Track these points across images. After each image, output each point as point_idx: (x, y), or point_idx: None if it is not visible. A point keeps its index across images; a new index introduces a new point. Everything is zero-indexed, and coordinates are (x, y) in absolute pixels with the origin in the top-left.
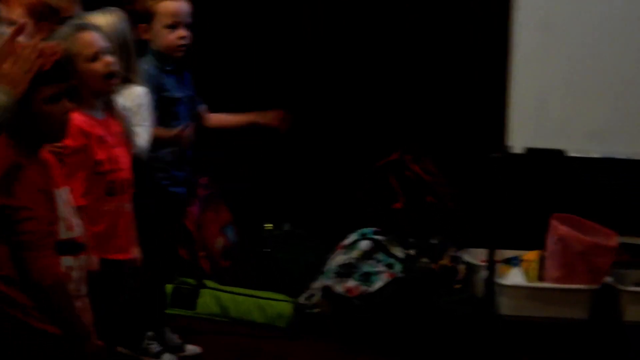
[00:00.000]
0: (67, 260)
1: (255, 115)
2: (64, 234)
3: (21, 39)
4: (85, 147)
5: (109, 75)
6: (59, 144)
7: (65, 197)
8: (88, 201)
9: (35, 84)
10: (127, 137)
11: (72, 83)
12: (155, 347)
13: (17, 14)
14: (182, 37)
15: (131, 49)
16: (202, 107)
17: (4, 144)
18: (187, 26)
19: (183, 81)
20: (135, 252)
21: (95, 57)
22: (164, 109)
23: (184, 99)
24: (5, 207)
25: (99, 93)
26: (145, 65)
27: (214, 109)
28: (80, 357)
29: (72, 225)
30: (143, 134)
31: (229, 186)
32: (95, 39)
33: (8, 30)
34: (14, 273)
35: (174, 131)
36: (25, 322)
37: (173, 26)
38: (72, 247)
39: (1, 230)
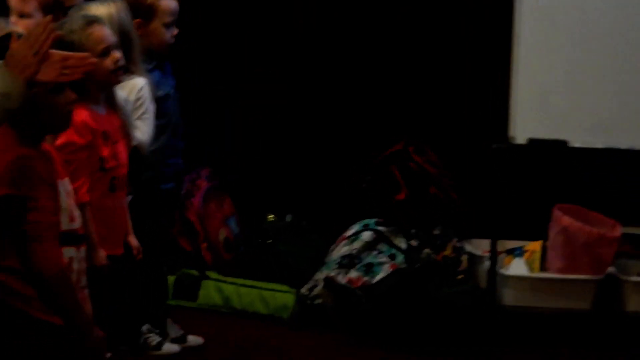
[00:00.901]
0: (68, 251)
1: None
2: (66, 225)
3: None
4: (91, 143)
5: (116, 71)
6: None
7: (66, 188)
8: (92, 197)
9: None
10: (125, 131)
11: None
12: (155, 338)
13: (33, 7)
14: (174, 36)
15: (133, 40)
16: None
17: (8, 134)
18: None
19: (166, 74)
20: (133, 244)
21: (105, 53)
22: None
23: (170, 93)
24: (9, 197)
25: (105, 87)
26: None
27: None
28: (80, 348)
29: (74, 217)
30: (144, 127)
31: (231, 177)
32: (105, 35)
33: (15, 24)
34: (16, 263)
35: None
36: (25, 312)
37: (170, 25)
38: (74, 238)
39: (5, 220)
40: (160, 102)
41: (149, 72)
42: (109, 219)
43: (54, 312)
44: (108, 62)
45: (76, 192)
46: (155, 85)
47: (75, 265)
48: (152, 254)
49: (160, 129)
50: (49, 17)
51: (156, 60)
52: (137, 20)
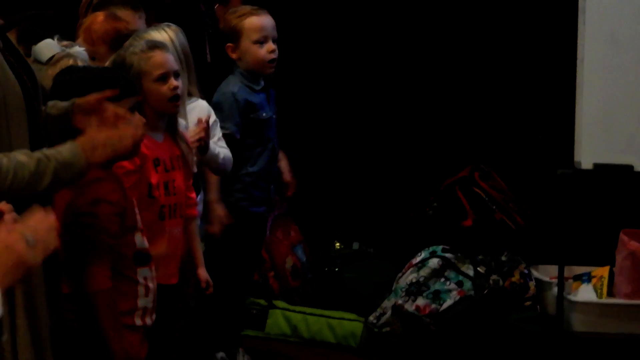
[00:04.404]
0: (144, 272)
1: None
2: (140, 244)
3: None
4: (140, 168)
5: (173, 99)
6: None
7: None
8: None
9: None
10: (185, 160)
11: (139, 99)
12: None
13: (104, 49)
14: (272, 52)
15: (190, 62)
16: None
17: None
18: (274, 40)
19: (270, 99)
20: (202, 277)
21: (162, 78)
22: (254, 130)
23: (272, 118)
24: (77, 214)
25: (162, 114)
26: (234, 87)
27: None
28: None
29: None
30: (224, 144)
31: (298, 205)
32: (166, 60)
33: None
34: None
35: None
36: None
37: (261, 41)
38: (147, 257)
39: (64, 236)
40: (261, 126)
41: (256, 92)
42: (158, 247)
43: (95, 330)
44: (164, 89)
45: None
46: (258, 108)
47: (151, 285)
48: (231, 281)
49: (256, 153)
50: (137, 123)
51: (262, 83)
52: (229, 44)
